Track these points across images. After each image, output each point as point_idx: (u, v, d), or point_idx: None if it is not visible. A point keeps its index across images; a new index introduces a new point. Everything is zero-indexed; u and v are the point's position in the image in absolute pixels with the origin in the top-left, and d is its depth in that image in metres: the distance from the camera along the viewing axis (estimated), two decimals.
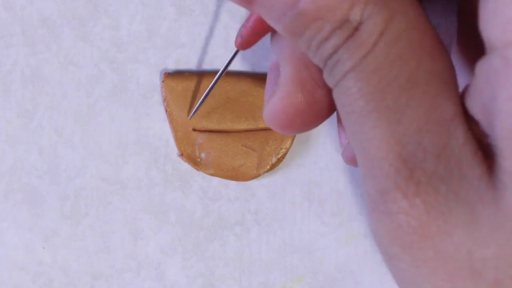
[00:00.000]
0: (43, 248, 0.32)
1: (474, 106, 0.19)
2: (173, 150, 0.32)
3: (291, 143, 0.31)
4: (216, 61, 0.32)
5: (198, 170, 0.31)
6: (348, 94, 0.20)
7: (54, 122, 0.31)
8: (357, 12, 0.19)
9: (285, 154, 0.31)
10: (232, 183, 0.32)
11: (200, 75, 0.31)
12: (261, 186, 0.32)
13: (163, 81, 0.31)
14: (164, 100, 0.31)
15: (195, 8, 0.32)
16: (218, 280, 0.32)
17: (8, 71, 0.31)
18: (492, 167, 0.18)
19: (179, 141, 0.31)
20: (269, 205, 0.32)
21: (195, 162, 0.31)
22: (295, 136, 0.31)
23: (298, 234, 0.32)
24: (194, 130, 0.31)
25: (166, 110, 0.31)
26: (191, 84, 0.31)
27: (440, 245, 0.18)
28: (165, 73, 0.31)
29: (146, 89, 0.32)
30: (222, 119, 0.31)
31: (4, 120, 0.31)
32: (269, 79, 0.25)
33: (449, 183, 0.18)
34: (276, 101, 0.23)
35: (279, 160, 0.31)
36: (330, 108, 0.23)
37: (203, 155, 0.31)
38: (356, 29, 0.19)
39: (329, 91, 0.22)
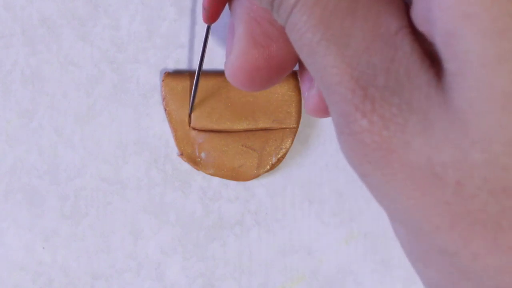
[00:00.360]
0: (43, 248, 0.32)
1: (417, 18, 0.20)
2: (173, 150, 0.32)
3: (291, 143, 0.31)
4: (216, 61, 0.32)
5: (198, 170, 0.31)
6: (296, 29, 0.20)
7: (54, 122, 0.31)
8: None
9: (285, 154, 0.31)
10: (232, 183, 0.32)
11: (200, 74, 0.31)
12: (261, 186, 0.32)
13: (163, 81, 0.31)
14: (164, 99, 0.31)
15: (195, 8, 0.32)
16: (218, 280, 0.32)
17: (8, 71, 0.31)
18: (439, 73, 0.19)
19: (179, 140, 0.31)
20: (269, 205, 0.32)
21: (195, 162, 0.31)
22: (295, 136, 0.31)
23: (298, 234, 0.32)
24: (194, 129, 0.31)
25: (166, 110, 0.31)
26: (190, 83, 0.31)
27: (403, 156, 0.19)
28: (165, 73, 0.31)
29: (146, 89, 0.32)
30: (222, 119, 0.31)
31: (4, 120, 0.31)
32: (228, 40, 0.25)
33: (401, 95, 0.19)
34: (233, 58, 0.24)
35: (279, 160, 0.31)
36: (289, 62, 0.24)
37: (203, 155, 0.31)
38: None
39: (284, 44, 0.23)
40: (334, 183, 0.32)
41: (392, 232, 0.32)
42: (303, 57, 0.21)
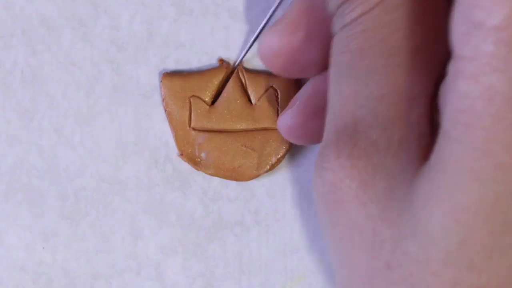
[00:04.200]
0: (43, 248, 0.32)
1: (441, 95, 0.19)
2: (173, 150, 0.32)
3: (291, 143, 0.31)
4: (216, 61, 0.32)
5: (198, 170, 0.31)
6: (338, 46, 0.20)
7: (54, 122, 0.31)
8: None
9: (285, 154, 0.31)
10: (232, 183, 0.32)
11: (199, 74, 0.31)
12: (261, 186, 0.32)
13: (161, 81, 0.31)
14: (163, 100, 0.31)
15: (195, 8, 0.32)
16: (218, 280, 0.32)
17: (8, 71, 0.31)
18: (428, 156, 0.19)
19: (179, 141, 0.31)
20: (269, 205, 0.32)
21: (195, 162, 0.31)
22: None
23: (298, 234, 0.32)
24: (193, 129, 0.31)
25: (166, 110, 0.31)
26: (189, 83, 0.31)
27: (352, 212, 0.19)
28: (163, 73, 0.31)
29: (146, 89, 0.32)
30: (221, 119, 0.31)
31: (4, 120, 0.31)
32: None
33: (384, 157, 0.19)
34: (276, 28, 0.24)
35: (279, 160, 0.31)
36: (317, 63, 0.24)
37: (203, 155, 0.31)
38: None
39: (323, 43, 0.23)
40: None
41: None
42: (331, 69, 0.20)
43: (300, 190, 0.32)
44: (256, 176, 0.31)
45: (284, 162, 0.32)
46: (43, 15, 0.31)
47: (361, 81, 0.19)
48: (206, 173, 0.31)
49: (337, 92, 0.20)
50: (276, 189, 0.32)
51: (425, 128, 0.19)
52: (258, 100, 0.31)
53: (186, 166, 0.32)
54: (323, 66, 0.24)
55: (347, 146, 0.19)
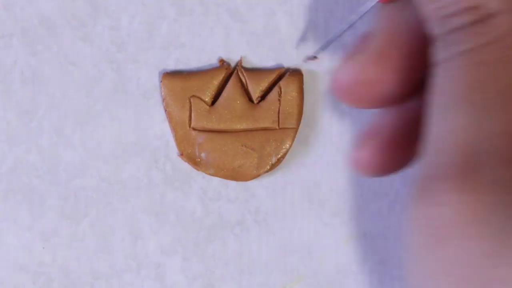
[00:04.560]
0: (43, 248, 0.32)
1: None
2: (173, 150, 0.32)
3: (291, 143, 0.31)
4: (216, 61, 0.32)
5: (198, 170, 0.31)
6: (450, 74, 0.19)
7: (54, 122, 0.31)
8: (495, 1, 0.19)
9: (285, 154, 0.31)
10: (232, 183, 0.32)
11: (199, 74, 0.31)
12: (261, 186, 0.32)
13: (161, 81, 0.31)
14: (164, 100, 0.31)
15: (195, 8, 0.32)
16: (218, 280, 0.32)
17: (8, 71, 0.31)
18: None
19: (179, 141, 0.31)
20: (269, 205, 0.32)
21: (195, 162, 0.31)
22: (295, 136, 0.31)
23: (298, 234, 0.32)
24: (193, 129, 0.31)
25: (166, 110, 0.31)
26: (189, 83, 0.31)
27: (463, 255, 0.18)
28: (163, 74, 0.31)
29: (146, 89, 0.32)
30: (222, 119, 0.31)
31: (4, 120, 0.31)
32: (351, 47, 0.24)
33: (506, 194, 0.18)
34: (358, 59, 0.23)
35: (279, 160, 0.31)
36: (396, 95, 0.23)
37: (203, 155, 0.31)
38: (489, 16, 0.19)
39: (407, 79, 0.22)
40: (334, 183, 0.32)
41: (392, 232, 0.32)
42: (438, 100, 0.20)
43: (300, 190, 0.32)
44: (256, 176, 0.31)
45: (284, 162, 0.32)
46: (43, 15, 0.31)
47: (480, 112, 0.18)
48: (206, 173, 0.31)
49: (446, 122, 0.19)
50: (276, 189, 0.32)
51: None
52: (259, 100, 0.31)
53: (186, 166, 0.32)
54: (401, 97, 0.23)
55: (469, 180, 0.18)
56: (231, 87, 0.31)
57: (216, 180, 0.32)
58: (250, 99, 0.31)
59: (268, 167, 0.31)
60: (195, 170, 0.31)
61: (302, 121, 0.31)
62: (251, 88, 0.31)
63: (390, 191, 0.32)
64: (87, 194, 0.32)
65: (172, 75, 0.31)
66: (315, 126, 0.32)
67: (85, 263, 0.32)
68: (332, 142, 0.32)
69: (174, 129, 0.31)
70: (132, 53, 0.31)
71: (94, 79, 0.31)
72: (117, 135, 0.32)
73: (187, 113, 0.31)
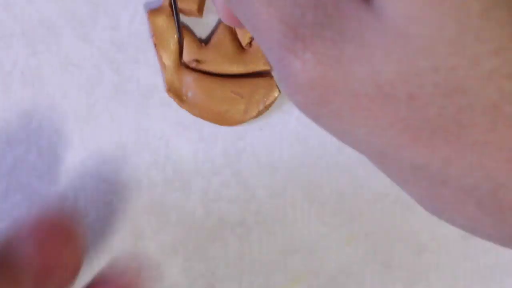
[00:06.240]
0: None
1: None
2: (173, 150, 0.32)
3: (280, 92, 0.31)
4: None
5: (183, 108, 0.31)
6: None
7: (54, 122, 0.32)
8: None
9: (272, 102, 0.31)
10: (232, 183, 0.32)
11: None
12: (261, 186, 0.32)
13: (149, 19, 0.31)
14: (153, 35, 0.31)
15: None
16: (219, 281, 0.32)
17: (8, 71, 0.31)
18: None
19: (168, 75, 0.31)
20: (270, 205, 0.32)
21: (181, 99, 0.31)
22: None
23: (298, 235, 0.32)
24: (185, 67, 0.31)
25: (155, 45, 0.31)
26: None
27: (345, 85, 0.19)
28: (148, 11, 0.31)
29: (146, 89, 0.32)
30: (212, 62, 0.31)
31: (4, 120, 0.32)
32: None
33: (332, 27, 0.19)
34: None
35: (266, 108, 0.31)
36: None
37: (189, 94, 0.31)
38: None
39: None
40: (335, 184, 0.32)
41: (392, 232, 0.32)
42: (232, 7, 0.20)
43: (301, 191, 0.32)
44: (242, 122, 0.31)
45: (284, 162, 0.31)
46: (43, 15, 0.31)
47: None
48: (190, 112, 0.31)
49: (251, 17, 0.20)
50: (277, 189, 0.32)
51: None
52: (248, 44, 0.31)
53: (186, 167, 0.32)
54: None
55: (297, 43, 0.19)
56: (222, 31, 0.31)
57: (216, 181, 0.32)
58: (239, 45, 0.31)
59: (255, 114, 0.31)
60: (195, 171, 0.31)
61: (302, 121, 0.31)
62: (239, 34, 0.31)
63: (390, 191, 0.32)
64: (87, 194, 0.32)
65: (157, 11, 0.31)
66: (315, 126, 0.32)
67: (85, 263, 0.32)
68: (332, 142, 0.32)
69: (164, 63, 0.31)
70: (132, 53, 0.32)
71: (94, 79, 0.32)
72: (117, 135, 0.32)
73: (177, 47, 0.31)
